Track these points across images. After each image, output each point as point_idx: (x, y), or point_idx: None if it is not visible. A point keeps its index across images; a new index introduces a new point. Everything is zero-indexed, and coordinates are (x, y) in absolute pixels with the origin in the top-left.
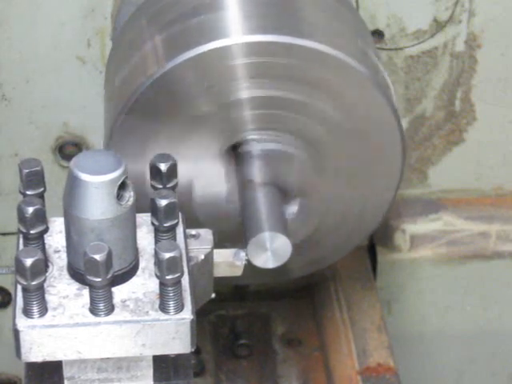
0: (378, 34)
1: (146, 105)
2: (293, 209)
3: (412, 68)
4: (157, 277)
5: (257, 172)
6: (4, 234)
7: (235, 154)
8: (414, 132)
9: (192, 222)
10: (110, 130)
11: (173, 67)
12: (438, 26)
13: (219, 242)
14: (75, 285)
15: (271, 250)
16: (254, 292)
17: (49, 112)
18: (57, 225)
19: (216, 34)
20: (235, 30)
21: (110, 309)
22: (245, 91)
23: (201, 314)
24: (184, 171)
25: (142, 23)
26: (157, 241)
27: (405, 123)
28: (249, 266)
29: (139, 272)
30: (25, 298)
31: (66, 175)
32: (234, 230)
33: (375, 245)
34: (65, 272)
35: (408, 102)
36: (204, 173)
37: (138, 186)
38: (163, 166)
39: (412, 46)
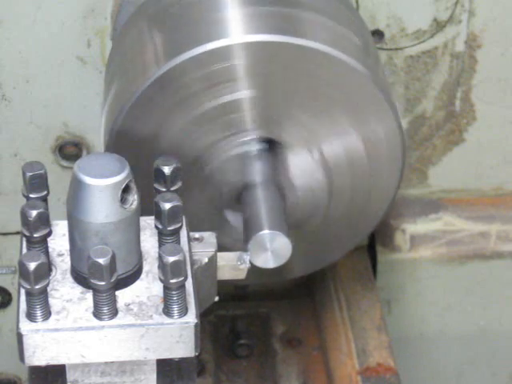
0: (377, 34)
1: (146, 105)
2: (293, 208)
3: (412, 68)
4: (161, 280)
5: (257, 172)
6: (4, 234)
7: (235, 154)
8: (414, 132)
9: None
10: (110, 130)
11: (173, 67)
12: (438, 26)
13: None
14: (79, 288)
15: (271, 250)
16: (254, 292)
17: (49, 112)
18: (60, 228)
19: (216, 34)
20: (235, 30)
21: (114, 312)
22: (245, 91)
23: (201, 315)
24: (184, 171)
25: (142, 23)
26: (160, 244)
27: (405, 123)
28: None
29: (143, 275)
30: (28, 301)
31: (66, 175)
32: (234, 231)
33: (375, 245)
34: (68, 275)
35: (408, 102)
36: (204, 173)
37: (139, 186)
38: (167, 169)
39: (412, 45)
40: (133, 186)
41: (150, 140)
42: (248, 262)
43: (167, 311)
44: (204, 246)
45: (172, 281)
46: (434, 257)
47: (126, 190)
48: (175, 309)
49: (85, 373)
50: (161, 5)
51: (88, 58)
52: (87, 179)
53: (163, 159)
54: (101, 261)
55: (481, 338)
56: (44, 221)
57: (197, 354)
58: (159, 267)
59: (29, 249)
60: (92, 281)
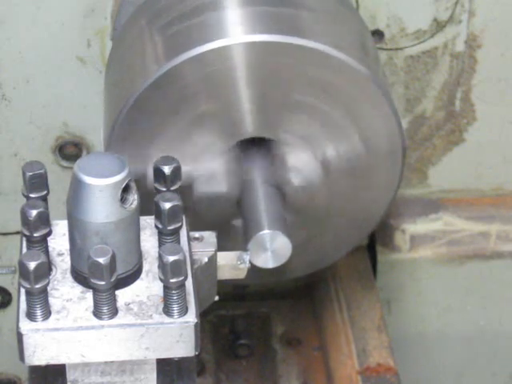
0: (377, 34)
1: (146, 105)
2: (293, 208)
3: (412, 68)
4: (161, 280)
5: (257, 172)
6: (4, 234)
7: (235, 153)
8: (414, 132)
9: (192, 222)
10: (110, 131)
11: (173, 67)
12: (438, 26)
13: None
14: (79, 288)
15: (271, 250)
16: (254, 292)
17: (49, 112)
18: (60, 228)
19: (216, 34)
20: (235, 30)
21: (114, 312)
22: (245, 91)
23: (201, 314)
24: (184, 171)
25: (141, 23)
26: (160, 244)
27: (405, 123)
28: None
29: (143, 275)
30: (28, 301)
31: (66, 175)
32: (234, 230)
33: (375, 245)
34: (68, 275)
35: (408, 102)
36: (204, 173)
37: (140, 186)
38: (167, 169)
39: (412, 45)
40: (133, 185)
41: (150, 140)
42: (248, 262)
43: (167, 311)
44: (204, 245)
45: (172, 280)
46: (434, 257)
47: (125, 189)
48: (175, 308)
49: (85, 372)
50: (161, 5)
51: (88, 57)
52: (87, 179)
53: (163, 159)
54: (101, 260)
55: (481, 338)
56: (44, 220)
57: (197, 353)
58: (159, 267)
59: (29, 248)
60: (92, 280)
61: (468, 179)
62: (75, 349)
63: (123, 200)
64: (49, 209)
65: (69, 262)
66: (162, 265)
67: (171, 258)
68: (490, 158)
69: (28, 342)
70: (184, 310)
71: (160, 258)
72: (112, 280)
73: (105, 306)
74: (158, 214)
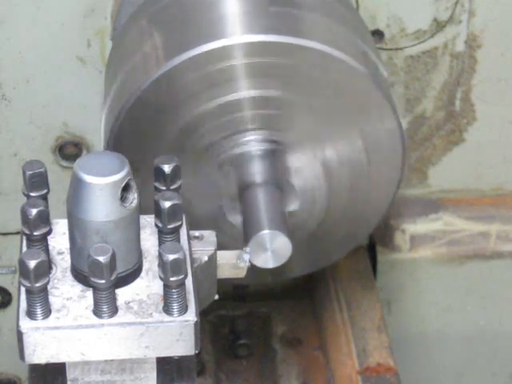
0: (378, 34)
1: (146, 105)
2: (294, 208)
3: (412, 68)
4: (161, 279)
5: (257, 172)
6: (4, 234)
7: (235, 153)
8: (414, 132)
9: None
10: (110, 130)
11: (173, 67)
12: (438, 26)
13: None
14: (79, 286)
15: (271, 250)
16: (254, 292)
17: (49, 112)
18: (60, 226)
19: (216, 34)
20: (235, 30)
21: (114, 311)
22: (245, 91)
23: (201, 313)
24: (184, 171)
25: (141, 23)
26: (160, 242)
27: (405, 123)
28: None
29: (143, 274)
30: (28, 299)
31: (66, 175)
32: (234, 230)
33: (375, 245)
34: (68, 274)
35: (408, 102)
36: (204, 172)
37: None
38: (167, 168)
39: (412, 45)
40: (133, 184)
41: (150, 140)
42: (248, 261)
43: (167, 309)
44: (204, 244)
45: (172, 279)
46: (434, 257)
47: (125, 188)
48: (175, 307)
49: (85, 371)
50: (160, 5)
51: (88, 57)
52: (87, 178)
53: (163, 158)
54: (101, 259)
55: (481, 338)
56: (44, 219)
57: (197, 351)
58: (159, 265)
59: (29, 247)
60: (92, 279)
61: (468, 179)
62: (75, 347)
63: (123, 199)
64: (49, 208)
65: (69, 261)
66: (162, 263)
67: (171, 257)
68: (490, 158)
69: (28, 340)
70: (184, 309)
71: (160, 256)
72: (112, 279)
73: (105, 305)
74: (158, 212)
